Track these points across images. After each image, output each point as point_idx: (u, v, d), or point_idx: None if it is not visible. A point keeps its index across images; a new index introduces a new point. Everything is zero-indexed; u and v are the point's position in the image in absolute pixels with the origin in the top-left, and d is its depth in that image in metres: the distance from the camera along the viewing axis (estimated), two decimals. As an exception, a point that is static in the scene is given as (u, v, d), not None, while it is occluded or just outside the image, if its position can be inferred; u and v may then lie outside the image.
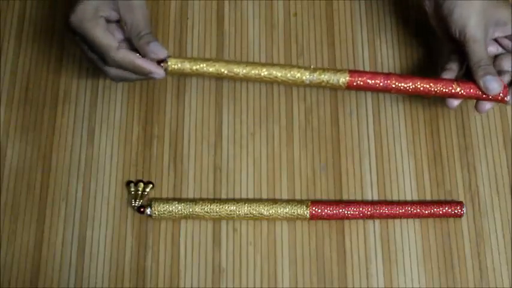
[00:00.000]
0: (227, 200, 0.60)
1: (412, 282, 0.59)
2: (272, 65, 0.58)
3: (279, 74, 0.57)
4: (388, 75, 0.57)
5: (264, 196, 0.62)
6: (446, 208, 0.60)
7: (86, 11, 0.54)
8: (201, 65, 0.57)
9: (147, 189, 0.61)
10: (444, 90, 0.57)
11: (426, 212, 0.59)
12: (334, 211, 0.59)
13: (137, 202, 0.60)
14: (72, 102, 0.64)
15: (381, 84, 0.57)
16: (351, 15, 0.68)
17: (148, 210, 0.59)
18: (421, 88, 0.57)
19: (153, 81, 0.65)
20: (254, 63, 0.58)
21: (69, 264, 0.60)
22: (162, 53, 0.56)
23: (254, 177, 0.62)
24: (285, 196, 0.62)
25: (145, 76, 0.56)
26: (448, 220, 0.61)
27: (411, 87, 0.57)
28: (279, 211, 0.59)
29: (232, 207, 0.59)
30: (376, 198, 0.62)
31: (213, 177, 0.62)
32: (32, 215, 0.61)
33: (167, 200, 0.60)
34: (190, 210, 0.59)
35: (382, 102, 0.65)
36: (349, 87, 0.58)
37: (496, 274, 0.59)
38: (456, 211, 0.60)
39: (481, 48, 0.56)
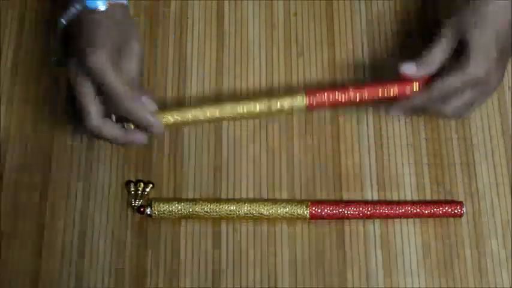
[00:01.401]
0: (227, 200, 0.60)
1: (412, 282, 0.59)
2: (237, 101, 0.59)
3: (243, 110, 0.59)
4: (344, 89, 0.59)
5: (264, 196, 0.62)
6: (446, 208, 0.60)
7: (106, 55, 0.52)
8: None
9: (147, 189, 0.61)
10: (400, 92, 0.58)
11: (426, 212, 0.59)
12: (334, 211, 0.59)
13: (137, 202, 0.60)
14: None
15: (340, 98, 0.59)
16: (351, 15, 0.68)
17: (148, 210, 0.59)
18: (379, 94, 0.58)
19: (153, 82, 0.65)
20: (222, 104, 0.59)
21: (69, 264, 0.60)
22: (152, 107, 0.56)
23: (254, 177, 0.62)
24: (285, 196, 0.62)
25: (140, 129, 0.56)
26: (448, 220, 0.61)
27: (368, 96, 0.58)
28: (279, 211, 0.59)
29: (232, 207, 0.59)
30: (376, 197, 0.62)
31: (213, 177, 0.62)
32: (32, 215, 0.61)
33: (167, 200, 0.60)
34: (190, 210, 0.59)
35: (382, 102, 0.65)
36: (310, 108, 0.59)
37: (496, 274, 0.59)
38: (456, 211, 0.60)
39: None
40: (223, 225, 0.61)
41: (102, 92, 0.53)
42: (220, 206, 0.59)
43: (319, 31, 0.67)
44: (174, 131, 0.63)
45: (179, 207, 0.59)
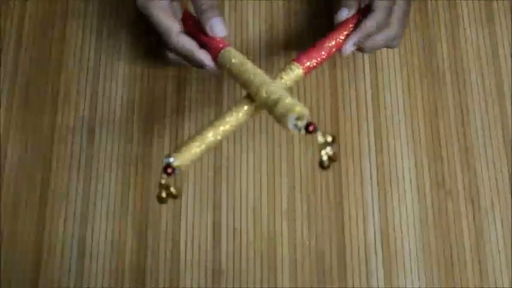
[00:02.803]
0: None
1: (412, 282, 0.59)
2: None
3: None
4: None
5: (264, 196, 0.62)
6: None
7: None
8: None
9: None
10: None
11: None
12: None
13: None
14: (72, 102, 0.65)
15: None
16: (351, 15, 0.68)
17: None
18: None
19: (153, 82, 0.65)
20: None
21: (69, 264, 0.60)
22: (220, 32, 0.53)
23: (254, 176, 0.62)
24: (285, 195, 0.62)
25: (199, 67, 0.54)
26: (448, 220, 0.61)
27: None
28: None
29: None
30: (376, 196, 0.62)
31: (213, 177, 0.62)
32: (32, 215, 0.61)
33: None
34: None
35: (382, 102, 0.65)
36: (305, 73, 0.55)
37: (496, 274, 0.59)
38: None
39: None
40: (223, 225, 0.61)
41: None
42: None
43: (319, 31, 0.67)
44: (174, 131, 0.63)
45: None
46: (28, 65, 0.66)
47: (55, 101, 0.65)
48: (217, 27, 0.53)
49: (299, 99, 0.65)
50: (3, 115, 0.64)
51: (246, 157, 0.63)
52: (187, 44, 0.53)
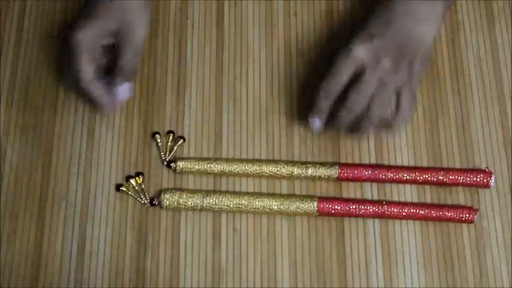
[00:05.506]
0: (237, 193, 0.61)
1: (412, 282, 0.59)
2: (267, 161, 0.62)
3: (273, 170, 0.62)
4: (374, 167, 0.61)
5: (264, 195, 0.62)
6: (453, 213, 0.60)
7: (87, 38, 0.57)
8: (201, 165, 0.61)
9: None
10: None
11: (434, 214, 0.60)
12: (341, 207, 0.59)
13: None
14: (72, 102, 0.65)
15: (368, 175, 0.61)
16: (351, 15, 0.68)
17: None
18: (408, 178, 0.61)
19: (154, 80, 0.65)
20: (247, 161, 0.62)
21: (69, 264, 0.60)
22: (120, 96, 0.60)
23: (254, 176, 0.62)
24: (284, 190, 0.62)
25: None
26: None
27: (397, 177, 0.61)
28: (289, 207, 0.60)
29: (241, 201, 0.60)
30: (375, 197, 0.62)
31: (213, 177, 0.62)
32: (32, 215, 0.61)
33: (177, 192, 0.61)
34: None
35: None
36: (340, 179, 0.61)
37: (496, 274, 0.59)
38: (465, 216, 0.60)
39: None
40: (223, 226, 0.61)
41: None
42: (234, 199, 0.60)
43: (319, 31, 0.67)
44: (174, 131, 0.63)
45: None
46: (28, 65, 0.66)
47: (55, 100, 0.65)
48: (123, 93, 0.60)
49: (299, 99, 0.65)
50: (3, 115, 0.64)
51: (246, 156, 0.63)
52: (96, 91, 0.59)
